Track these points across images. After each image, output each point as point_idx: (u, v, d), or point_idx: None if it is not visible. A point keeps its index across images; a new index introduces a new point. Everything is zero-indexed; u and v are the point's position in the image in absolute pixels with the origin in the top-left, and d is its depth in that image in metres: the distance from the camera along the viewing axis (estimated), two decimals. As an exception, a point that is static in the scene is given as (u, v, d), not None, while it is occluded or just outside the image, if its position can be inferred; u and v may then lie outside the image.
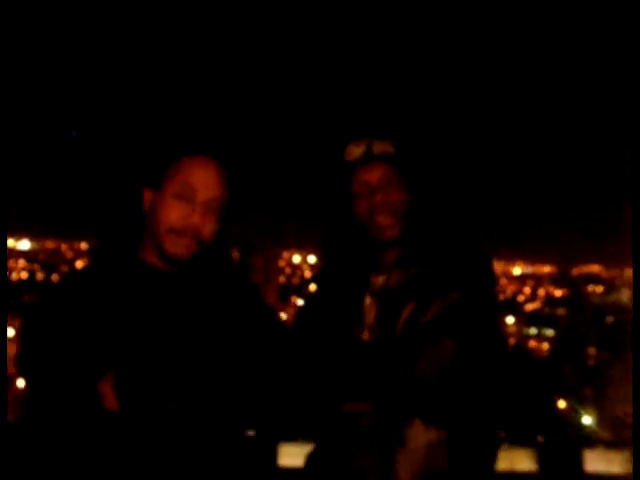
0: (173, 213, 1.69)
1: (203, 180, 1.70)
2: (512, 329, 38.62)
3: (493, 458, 1.99)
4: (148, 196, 1.75)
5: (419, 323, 1.90)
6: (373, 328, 1.97)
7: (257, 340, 1.74)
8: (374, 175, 2.01)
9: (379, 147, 2.00)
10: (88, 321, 1.64)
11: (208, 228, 1.72)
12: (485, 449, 1.98)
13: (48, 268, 44.90)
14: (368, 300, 2.02)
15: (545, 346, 37.32)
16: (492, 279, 2.05)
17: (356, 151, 2.01)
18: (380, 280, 2.02)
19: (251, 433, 1.87)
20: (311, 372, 1.89)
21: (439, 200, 2.07)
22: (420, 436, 1.91)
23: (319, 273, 2.20)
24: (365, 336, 1.98)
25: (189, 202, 1.69)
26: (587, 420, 29.22)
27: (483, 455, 1.97)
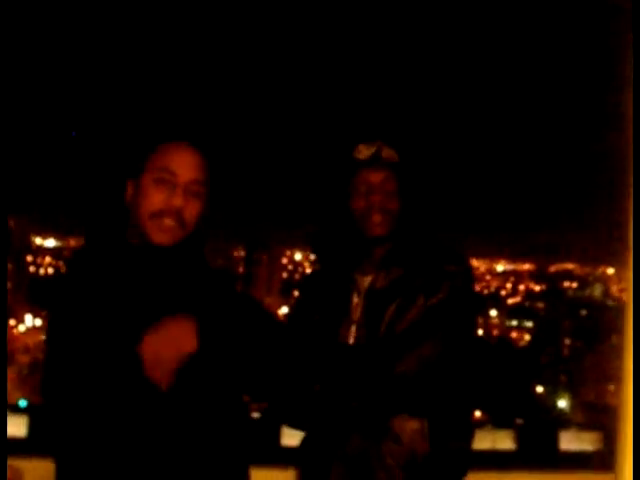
0: (154, 197, 1.57)
1: (181, 163, 1.59)
2: (495, 321, 38.57)
3: (469, 441, 2.01)
4: (130, 188, 1.67)
5: (402, 323, 1.90)
6: (359, 326, 1.97)
7: (244, 325, 1.69)
8: (377, 177, 2.01)
9: (387, 153, 2.01)
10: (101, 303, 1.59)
11: (190, 210, 1.60)
12: (462, 434, 2.00)
13: (72, 264, 44.76)
14: (355, 299, 2.02)
15: (525, 337, 37.28)
16: (470, 278, 2.05)
17: (366, 151, 2.01)
18: (367, 280, 2.02)
19: (256, 415, 1.86)
20: (299, 369, 1.89)
21: (426, 209, 2.10)
22: (404, 426, 1.93)
23: (309, 274, 2.21)
24: (352, 334, 1.98)
25: (169, 185, 1.57)
26: (562, 404, 29.23)
27: (461, 439, 1.99)
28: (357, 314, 2.00)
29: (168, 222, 1.60)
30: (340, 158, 2.09)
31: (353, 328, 1.98)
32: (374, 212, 2.00)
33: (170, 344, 1.54)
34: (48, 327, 1.70)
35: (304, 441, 2.05)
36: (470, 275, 2.06)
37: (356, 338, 1.96)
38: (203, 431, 1.68)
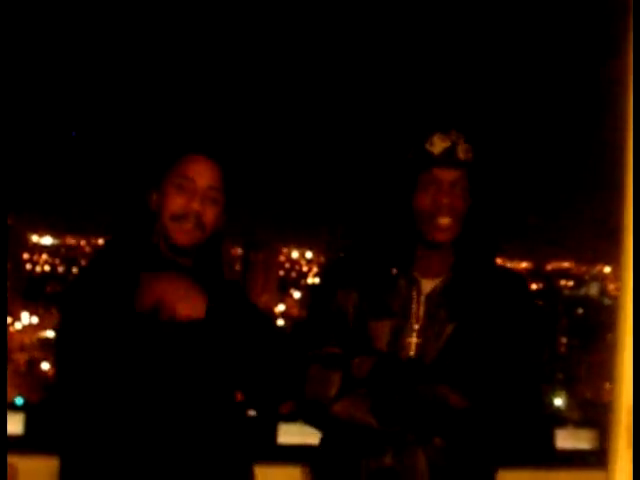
0: (175, 202, 1.74)
1: (199, 171, 1.77)
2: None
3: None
4: (154, 198, 1.79)
5: (462, 344, 1.77)
6: (420, 336, 1.80)
7: (253, 327, 1.73)
8: (450, 176, 1.77)
9: (463, 149, 1.81)
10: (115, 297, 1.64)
11: (208, 214, 1.76)
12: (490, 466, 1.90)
13: (68, 262, 44.84)
14: (415, 304, 1.82)
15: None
16: (532, 300, 1.91)
17: (441, 145, 1.81)
18: (428, 282, 1.84)
19: (252, 413, 1.87)
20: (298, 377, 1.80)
21: (495, 213, 1.92)
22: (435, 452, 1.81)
23: (341, 257, 2.00)
24: (413, 344, 1.81)
25: (188, 191, 1.75)
26: (558, 402, 29.26)
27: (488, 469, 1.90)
28: (419, 322, 1.81)
29: (188, 224, 1.75)
30: (409, 150, 1.86)
31: (414, 339, 1.79)
32: (442, 215, 1.79)
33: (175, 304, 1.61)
34: (62, 317, 1.74)
35: (324, 443, 1.92)
36: (530, 295, 1.91)
37: (417, 350, 1.78)
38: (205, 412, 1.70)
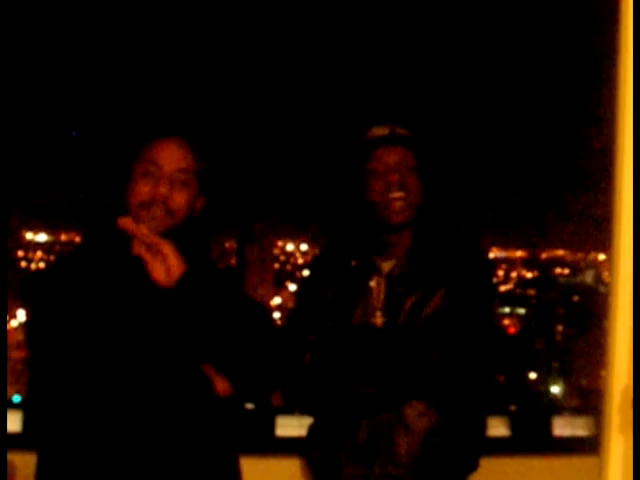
0: (141, 188, 1.71)
1: (166, 154, 1.73)
2: (487, 308, 38.60)
3: (483, 434, 1.98)
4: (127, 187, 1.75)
5: (421, 314, 1.85)
6: (382, 312, 1.91)
7: (243, 316, 1.72)
8: (395, 156, 1.90)
9: (402, 131, 1.91)
10: (85, 290, 1.63)
11: (176, 198, 1.73)
12: (476, 427, 1.97)
13: (63, 258, 44.58)
14: (374, 283, 1.94)
15: (517, 323, 37.36)
16: (491, 270, 2.00)
17: (380, 131, 1.96)
18: (388, 265, 1.95)
19: (250, 406, 1.87)
20: (317, 353, 1.85)
21: (449, 190, 1.99)
22: (416, 417, 1.88)
23: (320, 254, 2.11)
24: (378, 318, 1.91)
25: (155, 176, 1.71)
26: (555, 389, 29.33)
27: (475, 432, 1.96)
28: (380, 299, 1.93)
29: (156, 210, 1.71)
30: (353, 141, 1.97)
31: (379, 313, 1.91)
32: (393, 192, 1.88)
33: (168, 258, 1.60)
34: (32, 311, 1.73)
35: (312, 429, 2.01)
36: (491, 268, 2.00)
37: (384, 323, 1.90)
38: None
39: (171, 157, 1.73)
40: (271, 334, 1.78)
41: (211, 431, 1.74)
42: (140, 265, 1.64)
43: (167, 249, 1.60)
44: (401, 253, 1.95)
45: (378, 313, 1.96)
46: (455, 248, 1.96)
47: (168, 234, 1.73)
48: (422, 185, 1.93)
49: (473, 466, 2.02)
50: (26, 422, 2.55)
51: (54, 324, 1.63)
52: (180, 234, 1.78)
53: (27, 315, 1.76)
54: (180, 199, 1.75)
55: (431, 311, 1.90)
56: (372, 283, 1.96)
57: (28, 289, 1.79)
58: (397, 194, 1.90)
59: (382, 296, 1.95)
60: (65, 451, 1.64)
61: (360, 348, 1.86)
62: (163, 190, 1.72)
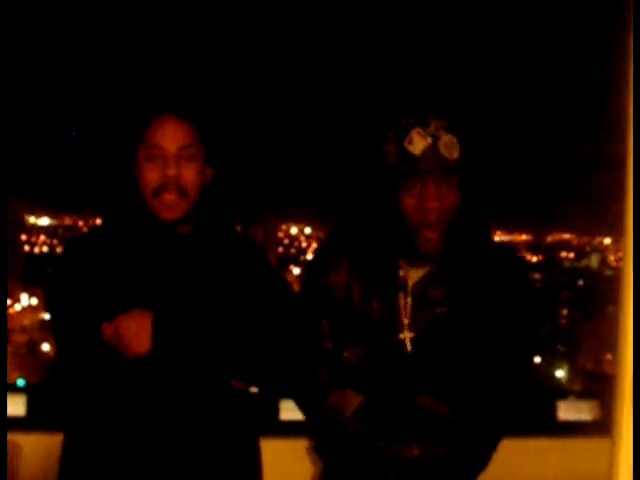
0: (149, 175, 1.66)
1: (166, 133, 1.67)
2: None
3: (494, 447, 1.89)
4: (135, 171, 1.71)
5: (454, 333, 1.71)
6: (410, 327, 1.75)
7: (264, 300, 1.70)
8: (434, 180, 1.68)
9: (446, 144, 1.64)
10: (108, 272, 1.61)
11: (186, 175, 1.68)
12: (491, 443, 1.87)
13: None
14: (402, 295, 1.75)
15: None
16: (532, 290, 1.83)
17: (421, 143, 1.65)
18: (416, 275, 1.77)
19: (255, 390, 1.86)
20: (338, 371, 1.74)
21: (485, 206, 1.82)
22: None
23: (328, 243, 1.92)
24: (405, 336, 1.76)
25: (160, 159, 1.65)
26: (560, 373, 29.38)
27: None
28: (408, 317, 1.75)
29: (170, 195, 1.67)
30: (383, 146, 1.71)
31: (407, 334, 1.74)
32: (428, 226, 1.67)
33: (124, 339, 1.55)
34: (48, 293, 1.72)
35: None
36: (530, 285, 1.83)
37: (413, 345, 1.73)
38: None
39: (172, 136, 1.67)
40: (294, 326, 1.75)
41: (234, 410, 1.75)
42: (170, 241, 1.62)
43: (137, 321, 1.57)
44: (431, 259, 1.73)
45: (405, 330, 1.77)
46: (491, 257, 1.77)
47: (187, 217, 1.70)
48: (460, 198, 1.71)
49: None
50: (30, 406, 2.56)
51: (84, 305, 1.62)
52: (201, 210, 1.75)
53: (50, 301, 1.74)
54: (190, 175, 1.70)
55: (463, 330, 1.72)
56: (400, 295, 1.76)
57: (53, 277, 1.78)
58: (430, 232, 1.70)
59: (409, 311, 1.77)
60: (92, 432, 1.65)
61: (392, 380, 1.71)
62: (171, 172, 1.66)
